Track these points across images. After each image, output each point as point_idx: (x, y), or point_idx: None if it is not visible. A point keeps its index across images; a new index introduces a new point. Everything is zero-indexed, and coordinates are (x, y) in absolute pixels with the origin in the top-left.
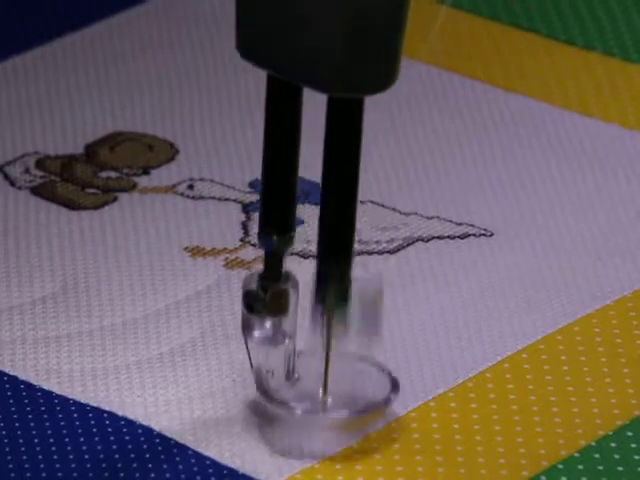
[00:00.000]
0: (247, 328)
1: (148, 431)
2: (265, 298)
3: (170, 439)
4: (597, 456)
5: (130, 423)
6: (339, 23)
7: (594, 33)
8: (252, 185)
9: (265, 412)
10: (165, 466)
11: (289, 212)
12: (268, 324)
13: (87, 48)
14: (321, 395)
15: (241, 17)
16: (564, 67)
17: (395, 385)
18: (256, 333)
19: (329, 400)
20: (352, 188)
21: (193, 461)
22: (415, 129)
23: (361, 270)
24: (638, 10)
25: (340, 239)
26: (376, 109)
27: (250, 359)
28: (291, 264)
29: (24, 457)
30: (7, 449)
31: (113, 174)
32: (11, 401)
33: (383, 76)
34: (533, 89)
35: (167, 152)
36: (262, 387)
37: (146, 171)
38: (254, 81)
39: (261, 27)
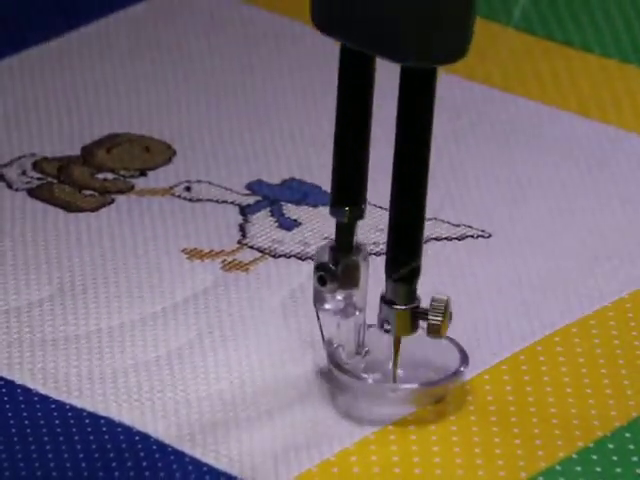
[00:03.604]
0: (318, 300)
1: (145, 437)
2: (337, 271)
3: (168, 446)
4: (595, 457)
5: (127, 429)
6: None
7: (592, 34)
8: (250, 187)
9: (336, 382)
10: (162, 474)
11: (361, 183)
12: (339, 296)
13: (84, 49)
14: (391, 367)
15: None
16: (562, 68)
17: (465, 357)
18: (327, 305)
19: (399, 372)
20: (423, 163)
21: (190, 468)
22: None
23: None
24: (636, 11)
25: (410, 224)
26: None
27: (321, 331)
28: (288, 266)
29: (20, 464)
30: (3, 455)
31: (110, 176)
32: (7, 406)
33: (456, 46)
34: (531, 90)
35: (164, 154)
36: (333, 359)
37: (143, 173)
38: (252, 82)
39: None
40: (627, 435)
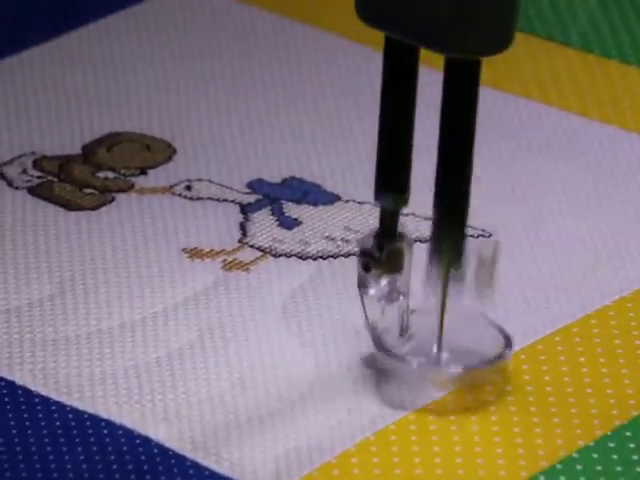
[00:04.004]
0: (363, 286)
1: (146, 441)
2: (381, 257)
3: (168, 450)
4: (595, 456)
5: (128, 432)
6: None
7: (592, 35)
8: (250, 186)
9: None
10: (163, 478)
11: (406, 171)
12: (383, 282)
13: (84, 47)
14: (435, 350)
15: None
16: (562, 69)
17: (508, 341)
18: (371, 291)
19: (444, 355)
20: (467, 151)
21: (192, 472)
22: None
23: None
24: (635, 12)
25: (455, 203)
26: (373, 110)
27: (366, 316)
28: (289, 265)
29: (21, 465)
30: (4, 457)
31: (110, 174)
32: (8, 407)
33: (500, 38)
34: (530, 90)
35: (165, 152)
36: (378, 342)
37: (144, 171)
38: (253, 81)
39: None
40: (628, 434)
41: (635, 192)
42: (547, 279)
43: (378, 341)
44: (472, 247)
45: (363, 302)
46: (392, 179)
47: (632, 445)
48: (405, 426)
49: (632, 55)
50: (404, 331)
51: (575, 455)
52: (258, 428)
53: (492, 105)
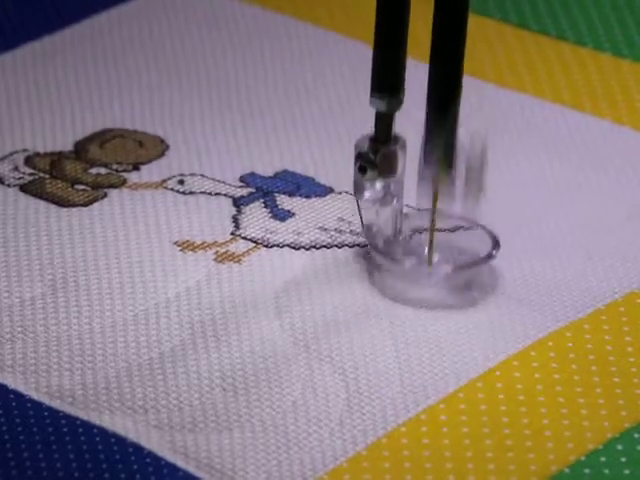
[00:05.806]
0: (358, 189)
1: (138, 449)
2: (376, 159)
3: (161, 459)
4: (587, 471)
5: (120, 440)
6: None
7: (585, 28)
8: (243, 179)
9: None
10: None
11: (400, 75)
12: (378, 185)
13: (76, 45)
14: (427, 251)
15: None
16: (555, 62)
17: (496, 242)
18: (366, 194)
19: (435, 256)
20: (459, 52)
21: None
22: (406, 125)
23: (465, 135)
24: (628, 5)
25: (447, 105)
26: (364, 104)
27: (361, 218)
28: (281, 256)
29: (13, 472)
30: None
31: (103, 170)
32: (0, 411)
33: None
34: (524, 84)
35: (157, 148)
36: (372, 242)
37: (136, 167)
38: (245, 76)
39: None
40: (619, 447)
41: (628, 189)
42: (539, 281)
43: (373, 242)
44: (461, 145)
45: (359, 205)
46: (387, 82)
47: (624, 459)
48: (397, 441)
49: (625, 49)
50: (397, 233)
51: (567, 470)
52: (250, 439)
53: (483, 98)
